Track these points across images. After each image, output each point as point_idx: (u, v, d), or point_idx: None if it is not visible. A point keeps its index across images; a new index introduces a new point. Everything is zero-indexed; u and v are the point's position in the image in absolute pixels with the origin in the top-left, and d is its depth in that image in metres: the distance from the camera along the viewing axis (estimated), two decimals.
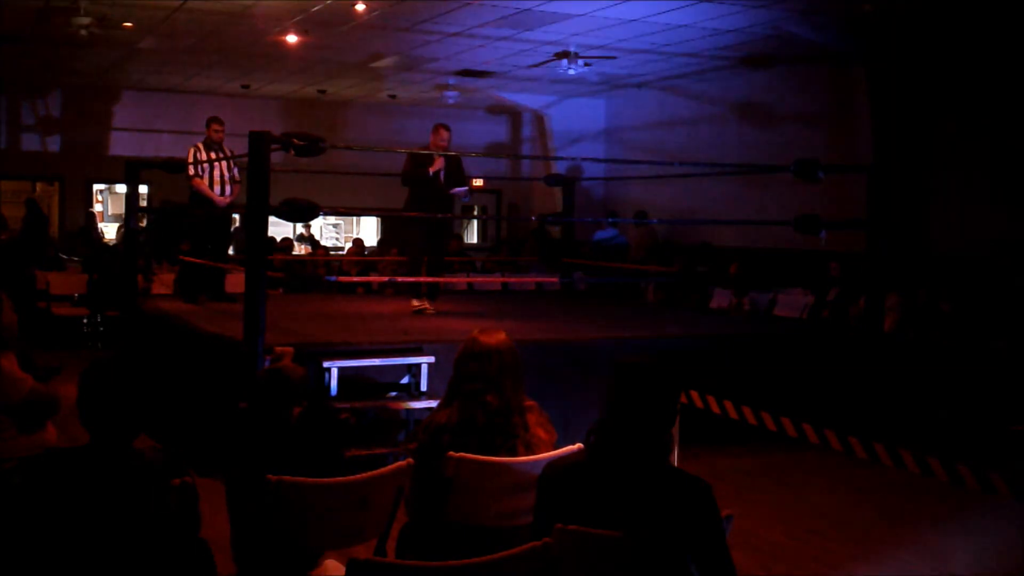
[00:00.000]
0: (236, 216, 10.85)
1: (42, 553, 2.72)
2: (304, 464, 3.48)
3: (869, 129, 11.31)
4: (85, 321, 12.11)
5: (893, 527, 5.68)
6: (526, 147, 17.93)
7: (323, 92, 15.83)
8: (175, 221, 12.97)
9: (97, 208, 16.93)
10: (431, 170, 8.25)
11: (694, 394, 5.00)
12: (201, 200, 8.93)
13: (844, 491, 6.33)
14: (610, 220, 14.10)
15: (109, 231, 16.60)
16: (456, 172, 8.50)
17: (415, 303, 8.53)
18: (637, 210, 14.21)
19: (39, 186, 16.91)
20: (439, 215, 8.47)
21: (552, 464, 2.90)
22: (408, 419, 6.46)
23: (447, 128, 8.45)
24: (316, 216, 6.75)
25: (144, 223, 12.87)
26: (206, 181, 8.88)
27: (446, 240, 9.93)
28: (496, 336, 3.70)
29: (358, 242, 15.22)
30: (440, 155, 8.28)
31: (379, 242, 16.82)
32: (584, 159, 9.93)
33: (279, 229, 15.26)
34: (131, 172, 9.18)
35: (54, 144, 15.86)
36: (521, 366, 3.69)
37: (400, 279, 8.93)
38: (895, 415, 7.07)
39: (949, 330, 8.91)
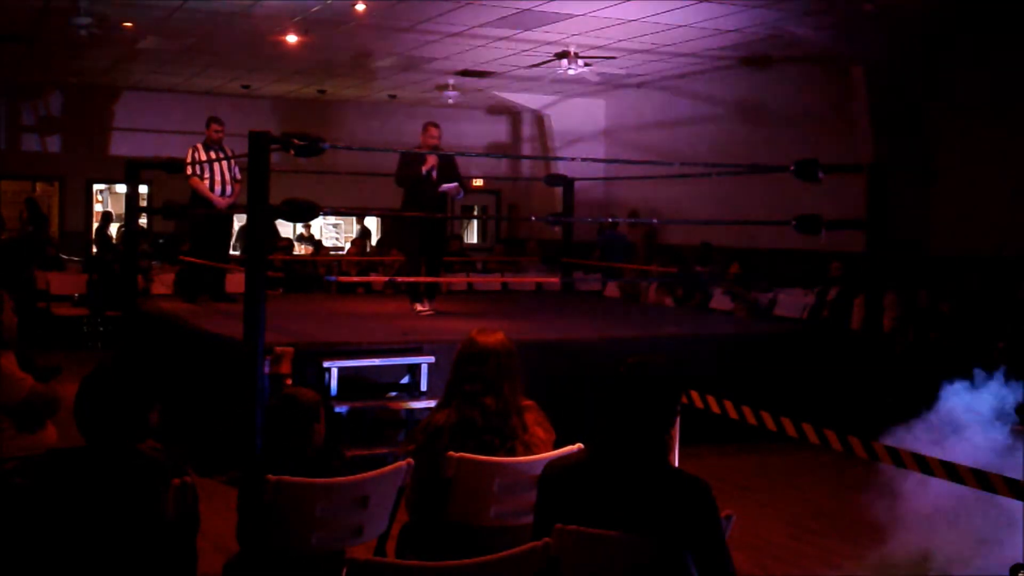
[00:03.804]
0: (242, 216, 10.86)
1: (43, 553, 2.72)
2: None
3: (869, 129, 11.31)
4: (85, 321, 12.11)
5: (894, 527, 5.67)
6: (526, 147, 17.92)
7: (323, 92, 15.83)
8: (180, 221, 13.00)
9: (97, 208, 16.94)
10: (423, 169, 8.22)
11: (694, 394, 4.99)
12: (201, 200, 8.94)
13: (844, 491, 6.32)
14: (610, 220, 14.10)
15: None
16: (449, 170, 8.41)
17: (419, 307, 8.48)
18: (632, 210, 14.24)
19: (39, 186, 16.92)
20: (435, 215, 8.41)
21: (552, 464, 2.90)
22: (408, 419, 6.47)
23: (436, 126, 8.45)
24: (316, 216, 6.74)
25: (144, 222, 12.86)
26: (207, 182, 8.88)
27: (443, 239, 9.84)
28: (494, 337, 3.67)
29: (358, 242, 15.23)
30: (431, 154, 8.24)
31: (378, 242, 16.84)
32: (584, 159, 9.91)
33: (279, 229, 15.26)
34: (131, 172, 9.18)
35: (54, 144, 15.87)
36: (519, 367, 3.67)
37: (400, 279, 8.92)
38: (896, 415, 7.06)
39: (948, 330, 8.91)
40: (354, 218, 18.28)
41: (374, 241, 17.24)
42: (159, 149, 14.11)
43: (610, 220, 13.97)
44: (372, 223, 18.43)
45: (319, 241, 17.01)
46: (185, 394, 7.07)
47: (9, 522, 2.75)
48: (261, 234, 6.39)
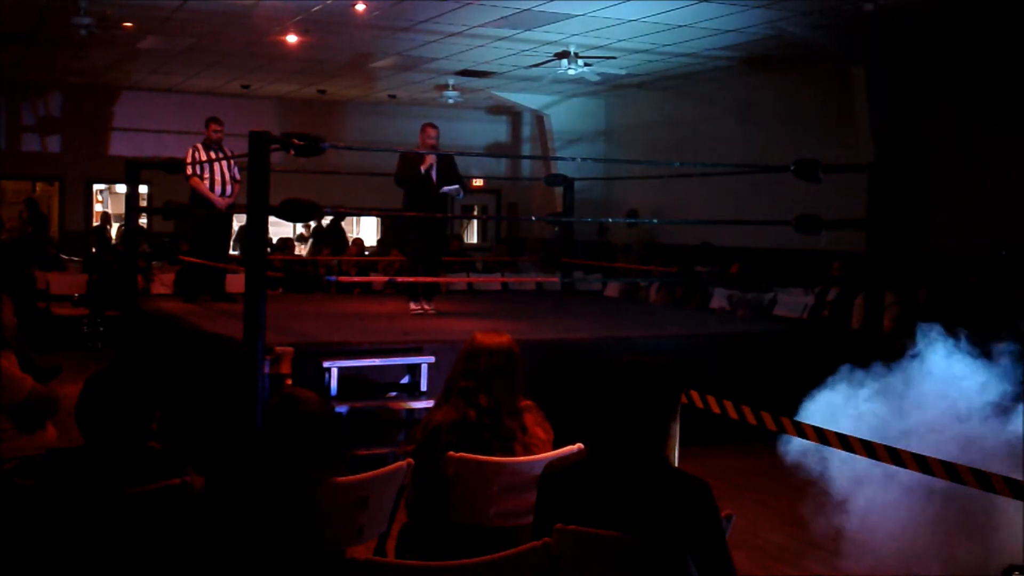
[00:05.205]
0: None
1: (44, 553, 2.72)
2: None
3: (869, 129, 11.31)
4: (85, 321, 12.10)
5: (894, 527, 5.66)
6: (526, 147, 17.93)
7: (323, 92, 15.84)
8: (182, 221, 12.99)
9: (97, 208, 16.94)
10: (422, 168, 8.27)
11: (694, 394, 4.99)
12: (201, 200, 8.94)
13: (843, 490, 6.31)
14: (609, 220, 14.10)
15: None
16: (449, 170, 8.47)
17: (412, 306, 8.52)
18: (631, 209, 14.24)
19: (39, 186, 16.92)
20: (434, 215, 8.43)
21: (552, 464, 2.90)
22: (408, 419, 6.46)
23: (434, 127, 8.53)
24: (315, 216, 6.74)
25: (144, 222, 12.83)
26: (207, 181, 8.88)
27: (442, 239, 9.88)
28: (494, 337, 3.70)
29: (358, 242, 15.22)
30: (429, 153, 8.30)
31: (379, 242, 16.83)
32: (584, 159, 9.92)
33: (279, 229, 15.25)
34: (131, 172, 9.18)
35: (54, 144, 15.87)
36: (516, 368, 3.68)
37: (400, 279, 8.94)
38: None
39: (947, 329, 8.89)
40: (354, 219, 18.28)
41: (372, 241, 17.19)
42: (159, 149, 14.12)
43: (609, 220, 13.96)
44: (372, 223, 18.42)
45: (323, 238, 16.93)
46: (185, 394, 7.07)
47: (10, 522, 2.75)
48: (261, 234, 6.38)
